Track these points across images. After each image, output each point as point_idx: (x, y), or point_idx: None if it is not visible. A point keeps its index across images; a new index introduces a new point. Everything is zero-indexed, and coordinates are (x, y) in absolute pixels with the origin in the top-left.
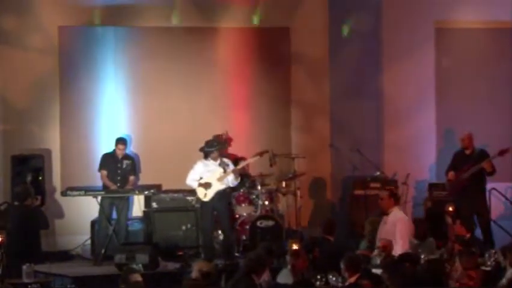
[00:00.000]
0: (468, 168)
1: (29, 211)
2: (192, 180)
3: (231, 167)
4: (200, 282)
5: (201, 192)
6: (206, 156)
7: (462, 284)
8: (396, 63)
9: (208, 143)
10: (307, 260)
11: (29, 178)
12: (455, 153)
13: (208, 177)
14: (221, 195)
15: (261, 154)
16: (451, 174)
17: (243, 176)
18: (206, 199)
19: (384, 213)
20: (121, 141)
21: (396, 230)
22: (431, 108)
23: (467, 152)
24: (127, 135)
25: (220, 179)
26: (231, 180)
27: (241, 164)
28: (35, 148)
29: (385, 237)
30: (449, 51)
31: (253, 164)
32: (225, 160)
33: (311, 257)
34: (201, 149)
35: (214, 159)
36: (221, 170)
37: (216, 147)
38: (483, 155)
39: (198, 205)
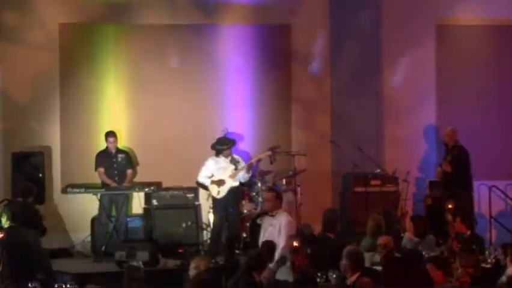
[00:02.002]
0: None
1: (32, 208)
2: (203, 177)
3: (242, 163)
4: (204, 277)
5: (214, 190)
6: (217, 153)
7: (462, 282)
8: (396, 60)
9: (220, 141)
10: (307, 256)
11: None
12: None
13: (220, 175)
14: (234, 192)
15: (273, 149)
16: (437, 170)
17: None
18: (219, 196)
19: (269, 214)
20: (110, 134)
21: (283, 232)
22: (431, 105)
23: (448, 147)
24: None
25: (232, 176)
26: (242, 175)
27: (253, 159)
28: (35, 145)
29: (271, 238)
30: (449, 48)
31: None
32: (236, 157)
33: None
34: (212, 147)
35: (226, 156)
36: (232, 167)
37: (227, 144)
38: (450, 152)
39: (198, 203)
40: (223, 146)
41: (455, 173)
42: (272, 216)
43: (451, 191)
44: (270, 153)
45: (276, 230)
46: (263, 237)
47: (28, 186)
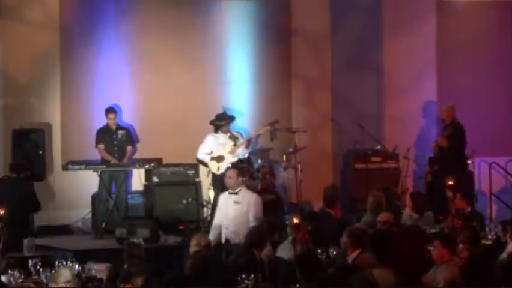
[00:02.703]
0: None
1: (26, 184)
2: (203, 154)
3: (241, 139)
4: (205, 254)
5: (213, 166)
6: (216, 129)
7: (462, 258)
8: (397, 36)
9: (219, 117)
10: (308, 233)
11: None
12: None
13: (219, 151)
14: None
15: (271, 124)
16: (433, 145)
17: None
18: (219, 172)
19: (231, 191)
20: (110, 110)
21: (252, 210)
22: (432, 81)
23: (445, 124)
24: (115, 105)
25: (231, 152)
26: (241, 151)
27: (252, 135)
28: (36, 122)
29: (239, 216)
30: (451, 24)
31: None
32: (235, 133)
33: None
34: (211, 122)
35: (225, 132)
36: (232, 142)
37: (226, 120)
38: (447, 128)
39: (198, 179)
40: (222, 121)
41: (452, 149)
42: (235, 193)
43: (446, 166)
44: (268, 128)
45: (243, 207)
46: (226, 214)
47: (19, 163)
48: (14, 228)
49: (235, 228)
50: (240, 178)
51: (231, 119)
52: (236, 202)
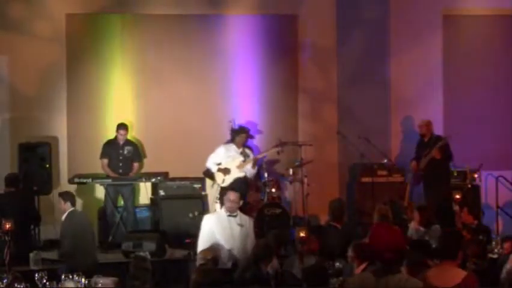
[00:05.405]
0: (425, 156)
1: (20, 196)
2: (212, 163)
3: (252, 156)
4: (210, 267)
5: (219, 178)
6: (232, 139)
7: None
8: (403, 50)
9: (240, 128)
10: (317, 244)
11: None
12: (417, 142)
13: (227, 163)
14: (239, 182)
15: (278, 146)
16: (413, 164)
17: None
18: (224, 185)
19: (230, 214)
20: (122, 126)
21: (251, 233)
22: (438, 94)
23: (425, 139)
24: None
25: (239, 167)
26: (248, 169)
27: (261, 154)
28: (42, 136)
29: (243, 238)
30: (457, 38)
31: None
32: (247, 150)
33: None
34: (232, 130)
35: (238, 145)
36: (241, 158)
37: (245, 132)
38: (436, 142)
39: (205, 193)
40: (242, 133)
41: (443, 161)
42: (234, 216)
43: (439, 180)
44: (276, 149)
45: (246, 230)
46: (233, 236)
47: (14, 175)
48: (18, 241)
49: (242, 251)
50: (241, 201)
51: (249, 135)
52: (240, 225)
